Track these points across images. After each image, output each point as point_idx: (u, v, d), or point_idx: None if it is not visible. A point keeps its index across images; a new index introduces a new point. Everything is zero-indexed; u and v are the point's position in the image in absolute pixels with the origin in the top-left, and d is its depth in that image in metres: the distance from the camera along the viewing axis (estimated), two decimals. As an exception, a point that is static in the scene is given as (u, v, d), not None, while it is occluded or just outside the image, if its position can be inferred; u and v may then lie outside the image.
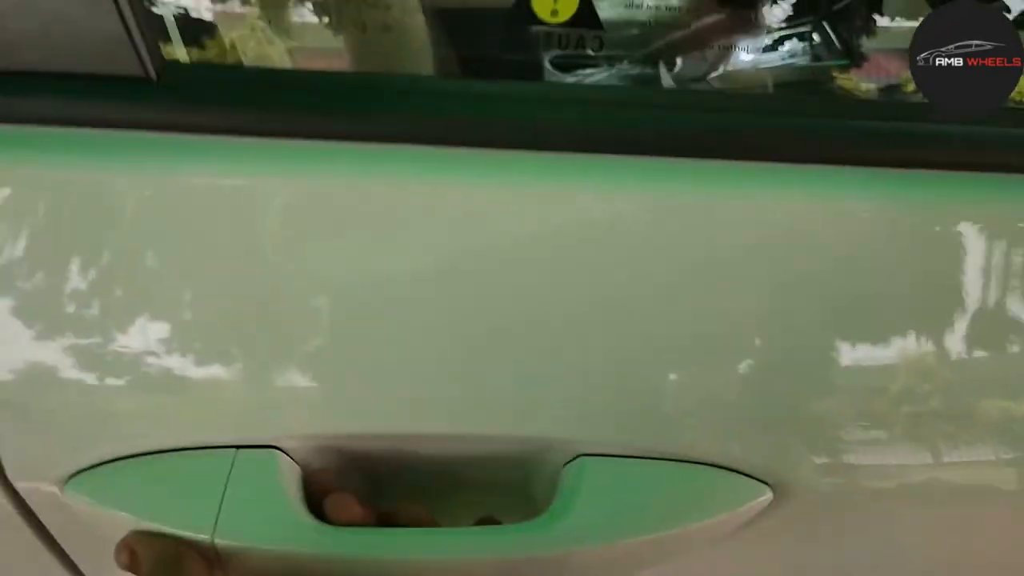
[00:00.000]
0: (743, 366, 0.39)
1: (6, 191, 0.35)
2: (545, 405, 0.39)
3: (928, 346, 0.39)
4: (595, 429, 0.39)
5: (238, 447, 0.39)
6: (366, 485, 0.43)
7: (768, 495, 0.40)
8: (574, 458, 0.40)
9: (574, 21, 0.44)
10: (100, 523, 0.39)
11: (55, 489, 0.39)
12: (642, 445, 0.40)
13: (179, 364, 0.37)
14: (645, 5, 0.48)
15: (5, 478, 0.39)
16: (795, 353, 0.39)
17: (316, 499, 0.38)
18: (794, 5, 0.64)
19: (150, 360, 0.37)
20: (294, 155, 0.35)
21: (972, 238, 0.38)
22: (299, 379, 0.38)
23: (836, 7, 0.69)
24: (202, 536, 0.37)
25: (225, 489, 0.38)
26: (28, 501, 0.40)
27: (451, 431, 0.39)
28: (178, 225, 0.36)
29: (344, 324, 0.37)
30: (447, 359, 0.38)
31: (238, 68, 0.51)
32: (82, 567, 0.44)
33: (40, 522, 0.41)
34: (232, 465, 0.38)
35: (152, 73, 0.35)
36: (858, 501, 0.43)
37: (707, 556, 0.44)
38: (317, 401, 0.39)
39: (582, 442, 0.40)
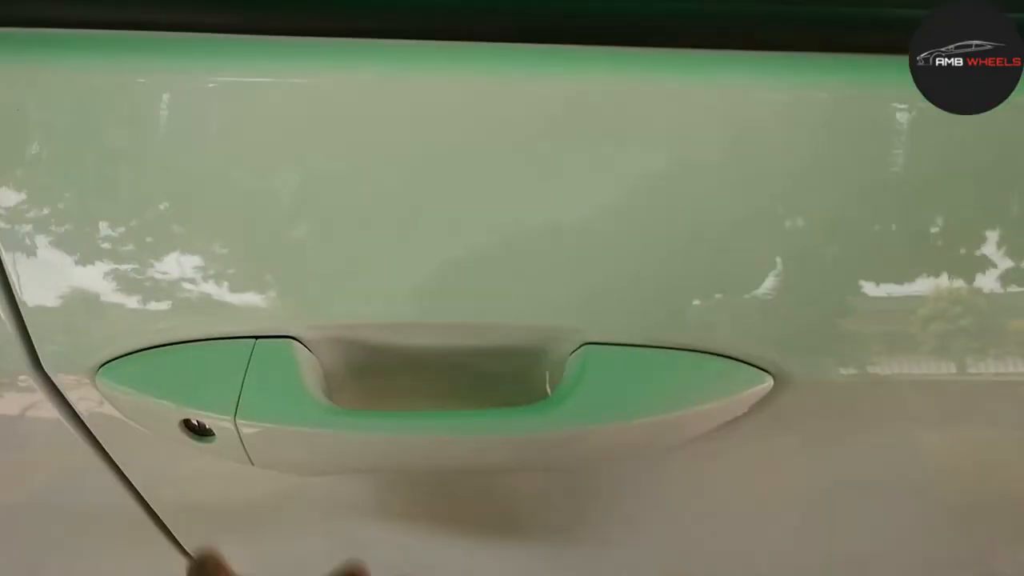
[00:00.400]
0: (742, 255, 0.39)
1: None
2: (550, 293, 0.40)
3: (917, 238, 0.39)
4: (598, 317, 0.41)
5: (257, 337, 0.41)
6: (379, 380, 0.45)
7: (769, 382, 0.41)
8: (579, 347, 0.42)
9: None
10: (129, 408, 0.42)
11: (87, 378, 0.41)
12: (645, 334, 0.41)
13: (200, 259, 0.39)
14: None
15: (41, 368, 0.41)
16: (791, 243, 0.40)
17: None
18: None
19: (174, 255, 0.39)
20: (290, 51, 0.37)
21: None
22: (310, 270, 0.39)
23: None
24: (225, 416, 0.39)
25: (245, 374, 0.40)
26: (62, 390, 0.43)
27: (459, 320, 0.41)
28: (193, 122, 0.37)
29: (352, 216, 0.38)
30: (454, 248, 0.39)
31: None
32: (113, 454, 0.47)
33: (74, 411, 0.44)
34: (251, 353, 0.41)
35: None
36: (857, 396, 0.44)
37: (709, 450, 0.45)
38: (328, 291, 0.40)
39: (586, 331, 0.41)
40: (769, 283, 0.40)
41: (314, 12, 0.37)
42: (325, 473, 0.45)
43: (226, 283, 0.40)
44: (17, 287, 0.39)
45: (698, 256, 0.39)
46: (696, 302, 0.40)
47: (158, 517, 0.52)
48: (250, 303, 0.40)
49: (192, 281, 0.40)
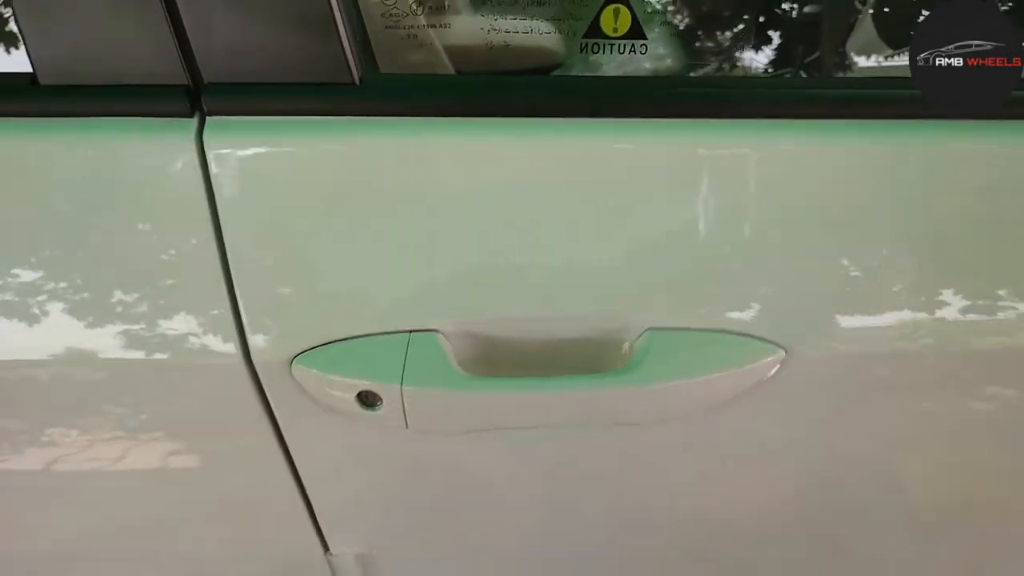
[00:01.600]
0: (760, 257, 0.56)
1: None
2: (623, 290, 0.56)
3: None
4: (658, 309, 0.56)
5: (410, 331, 0.56)
6: (497, 361, 0.59)
7: (782, 353, 0.57)
8: (642, 332, 0.57)
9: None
10: (317, 386, 0.56)
11: (283, 366, 0.56)
12: (693, 321, 0.57)
13: (375, 272, 0.55)
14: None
15: (249, 358, 0.56)
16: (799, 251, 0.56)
17: None
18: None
19: (359, 270, 0.54)
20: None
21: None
22: (452, 279, 0.55)
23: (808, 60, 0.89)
24: (392, 384, 0.54)
25: (406, 357, 0.55)
26: (260, 374, 0.57)
27: (559, 313, 0.56)
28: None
29: (482, 238, 0.54)
30: (552, 254, 0.55)
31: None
32: (289, 439, 0.61)
33: (265, 395, 0.58)
34: (408, 342, 0.56)
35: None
36: (855, 369, 0.60)
37: (733, 413, 0.60)
38: (461, 296, 0.56)
39: (648, 319, 0.57)
40: (777, 283, 0.56)
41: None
42: (466, 431, 0.59)
43: (386, 291, 0.55)
44: (239, 288, 0.54)
45: (732, 267, 0.56)
46: (729, 297, 0.56)
47: (312, 507, 0.65)
48: (404, 307, 0.56)
49: (365, 292, 0.55)
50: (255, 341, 0.55)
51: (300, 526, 0.67)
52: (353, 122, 0.53)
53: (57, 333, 0.55)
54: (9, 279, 0.54)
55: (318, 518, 0.67)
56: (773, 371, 0.58)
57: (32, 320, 0.55)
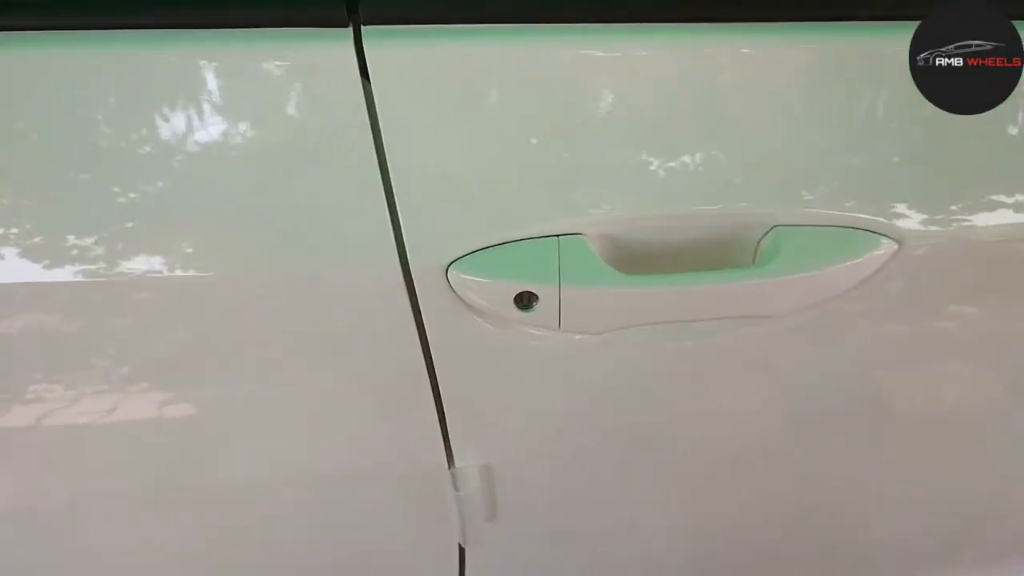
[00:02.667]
0: (879, 158, 0.60)
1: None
2: (754, 189, 0.59)
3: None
4: (787, 204, 0.60)
5: (558, 236, 0.58)
6: (637, 260, 0.62)
7: (895, 246, 0.62)
8: (770, 229, 0.61)
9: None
10: (474, 291, 0.58)
11: (438, 273, 0.58)
12: (814, 215, 0.61)
13: (524, 178, 0.57)
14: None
15: (405, 262, 0.57)
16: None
17: None
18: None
19: (512, 176, 0.56)
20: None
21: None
22: (595, 183, 0.57)
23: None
24: (551, 284, 0.56)
25: (559, 258, 0.57)
26: (416, 281, 0.58)
27: (693, 210, 0.59)
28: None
29: (617, 144, 0.57)
30: (692, 158, 0.58)
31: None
32: (435, 349, 0.62)
33: (417, 303, 0.59)
34: (559, 245, 0.58)
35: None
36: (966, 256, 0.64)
37: (854, 305, 0.65)
38: (604, 199, 0.58)
39: (776, 215, 0.60)
40: (893, 175, 0.60)
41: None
42: (617, 327, 0.62)
43: (534, 198, 0.57)
44: (400, 203, 0.55)
45: (849, 163, 0.60)
46: (849, 192, 0.60)
47: (444, 420, 0.67)
48: (551, 212, 0.58)
49: (515, 198, 0.57)
50: (413, 248, 0.57)
51: (429, 439, 0.69)
52: (516, 28, 0.55)
53: (205, 247, 0.56)
54: (157, 198, 0.54)
55: (449, 431, 0.69)
56: (886, 262, 0.62)
57: (189, 237, 0.55)
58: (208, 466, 0.68)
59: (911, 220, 0.62)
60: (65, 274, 0.55)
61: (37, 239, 0.54)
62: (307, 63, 0.53)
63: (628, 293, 0.58)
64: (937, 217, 0.62)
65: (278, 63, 0.52)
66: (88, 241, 0.54)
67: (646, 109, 0.57)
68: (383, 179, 0.55)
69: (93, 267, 0.55)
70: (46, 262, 0.54)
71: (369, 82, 0.53)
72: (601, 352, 0.65)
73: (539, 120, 0.56)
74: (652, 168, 0.58)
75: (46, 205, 0.54)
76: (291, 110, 0.53)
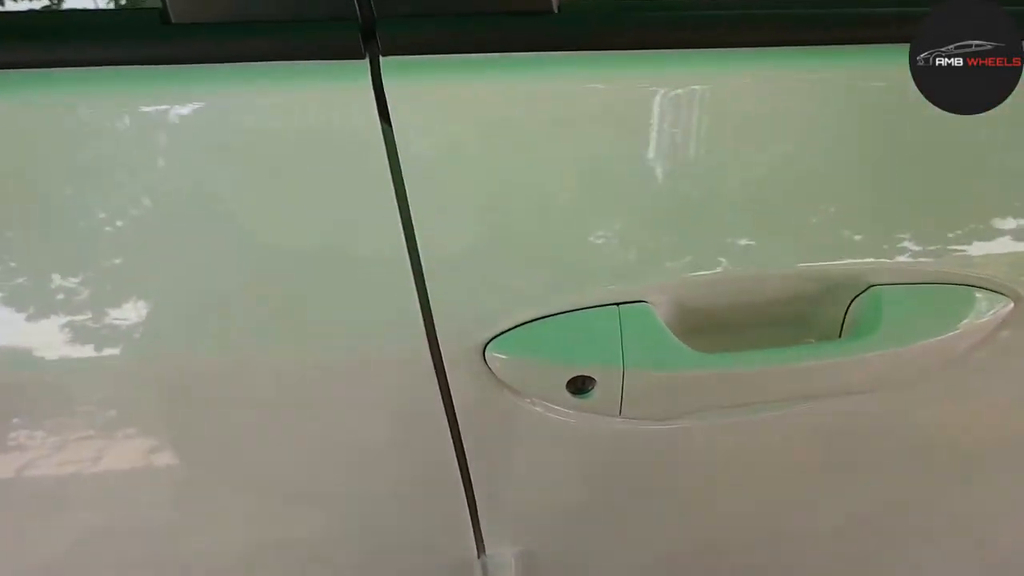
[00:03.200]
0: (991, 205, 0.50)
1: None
2: (848, 245, 0.49)
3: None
4: (883, 263, 0.50)
5: (619, 304, 0.48)
6: (710, 331, 0.52)
7: (1011, 305, 0.52)
8: (865, 289, 0.51)
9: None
10: (520, 374, 0.48)
11: (476, 353, 0.48)
12: (916, 274, 0.51)
13: (571, 237, 0.46)
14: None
15: (436, 342, 0.47)
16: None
17: None
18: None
19: (561, 234, 0.46)
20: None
21: None
22: (661, 242, 0.47)
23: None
24: (613, 366, 0.46)
25: (622, 335, 0.47)
26: (447, 364, 0.48)
27: (772, 269, 0.49)
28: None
29: (692, 183, 0.47)
30: (759, 209, 0.48)
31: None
32: (467, 441, 0.52)
33: (448, 388, 0.49)
34: (619, 316, 0.48)
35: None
36: None
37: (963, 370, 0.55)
38: (673, 258, 0.48)
39: (873, 273, 0.50)
40: (1005, 226, 0.51)
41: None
42: (683, 415, 0.52)
43: (589, 257, 0.47)
44: (428, 271, 0.45)
45: (959, 206, 0.50)
46: (954, 243, 0.50)
47: (475, 506, 0.57)
48: (609, 274, 0.48)
49: (566, 258, 0.47)
50: (444, 327, 0.47)
51: (458, 526, 0.59)
52: (551, 57, 0.44)
53: (217, 334, 0.46)
54: (160, 267, 0.44)
55: (480, 517, 0.59)
56: (1002, 321, 0.53)
57: (201, 325, 0.45)
58: (234, 550, 0.58)
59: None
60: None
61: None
62: (316, 104, 0.42)
63: (703, 376, 0.48)
64: None
65: (282, 102, 0.42)
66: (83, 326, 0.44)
67: (710, 147, 0.46)
68: (407, 242, 0.45)
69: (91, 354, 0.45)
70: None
71: (390, 125, 0.43)
72: (656, 433, 0.55)
73: (585, 165, 0.46)
74: (724, 220, 0.48)
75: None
76: (300, 165, 0.43)
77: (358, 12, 0.43)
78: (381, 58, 0.43)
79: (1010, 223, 0.51)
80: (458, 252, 0.46)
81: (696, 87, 0.46)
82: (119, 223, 0.43)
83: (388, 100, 0.43)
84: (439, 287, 0.46)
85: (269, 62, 0.43)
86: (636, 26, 0.45)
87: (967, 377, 0.56)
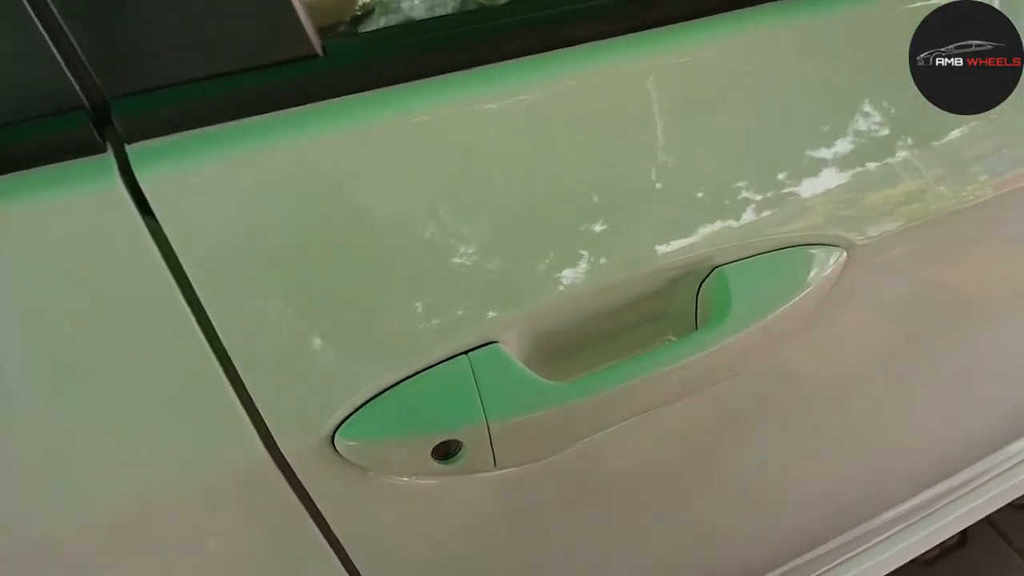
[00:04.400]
0: (803, 163, 0.50)
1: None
2: (685, 234, 0.48)
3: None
4: (723, 241, 0.49)
5: (467, 352, 0.44)
6: (565, 353, 0.49)
7: (844, 253, 0.52)
8: (709, 272, 0.50)
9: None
10: (379, 455, 0.43)
11: (324, 445, 0.42)
12: (753, 246, 0.50)
13: (396, 296, 0.42)
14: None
15: (275, 447, 0.41)
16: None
17: None
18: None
19: (378, 298, 0.41)
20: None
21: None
22: (492, 278, 0.44)
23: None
24: (477, 422, 0.42)
25: (476, 383, 0.43)
26: (296, 470, 0.43)
27: (618, 278, 0.47)
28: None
29: (515, 217, 0.43)
30: (603, 215, 0.45)
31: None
32: (345, 543, 0.47)
33: (304, 488, 0.44)
34: (471, 367, 0.44)
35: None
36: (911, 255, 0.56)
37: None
38: (512, 289, 0.45)
39: (714, 255, 0.49)
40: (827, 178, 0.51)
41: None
42: (562, 449, 0.49)
43: (421, 311, 0.43)
44: (245, 373, 0.40)
45: (771, 171, 0.49)
46: (774, 205, 0.50)
47: None
48: (448, 323, 0.44)
49: (395, 319, 0.42)
50: (279, 427, 0.41)
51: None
52: (326, 106, 0.39)
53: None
54: None
55: None
56: (843, 268, 0.53)
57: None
58: None
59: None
60: None
61: None
62: (63, 215, 0.35)
63: (572, 408, 0.45)
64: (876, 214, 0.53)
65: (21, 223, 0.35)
66: None
67: (518, 166, 0.43)
68: (211, 344, 0.39)
69: None
70: None
71: (156, 219, 0.37)
72: (541, 467, 0.52)
73: (391, 215, 0.41)
74: (552, 239, 0.45)
75: None
76: (68, 288, 0.36)
77: (83, 97, 0.36)
78: (126, 146, 0.36)
79: (810, 174, 0.51)
80: (273, 345, 0.40)
81: (491, 105, 0.42)
82: None
83: (147, 194, 0.36)
84: (261, 387, 0.40)
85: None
86: (408, 54, 0.41)
87: (828, 329, 0.57)
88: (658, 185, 0.46)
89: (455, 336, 0.44)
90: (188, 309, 0.38)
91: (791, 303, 0.50)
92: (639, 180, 0.46)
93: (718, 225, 0.49)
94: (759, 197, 0.49)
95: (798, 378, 0.62)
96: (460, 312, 0.43)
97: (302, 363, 0.40)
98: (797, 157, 0.50)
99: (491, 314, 0.44)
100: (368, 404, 0.43)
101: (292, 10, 0.38)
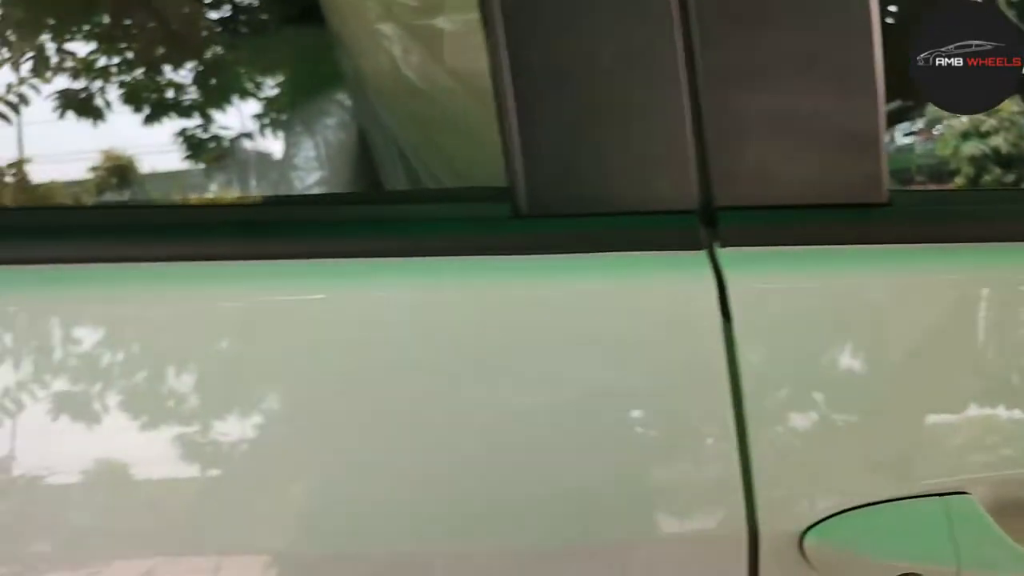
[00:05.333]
0: None
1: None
2: None
3: None
4: None
5: (942, 494, 0.46)
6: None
7: None
8: None
9: None
10: (838, 566, 0.46)
11: (792, 537, 0.46)
12: None
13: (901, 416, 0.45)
14: None
15: (754, 522, 0.46)
16: None
17: None
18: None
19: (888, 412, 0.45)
20: None
21: None
22: (996, 421, 0.46)
23: None
24: (949, 565, 0.44)
25: (951, 526, 0.45)
26: (761, 549, 0.47)
27: None
28: None
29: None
30: None
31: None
32: None
33: (757, 571, 0.48)
34: (947, 510, 0.46)
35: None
36: None
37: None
38: (999, 449, 0.46)
39: None
40: None
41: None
42: None
43: (914, 448, 0.46)
44: (755, 452, 0.45)
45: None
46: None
47: None
48: (930, 461, 0.46)
49: (891, 447, 0.46)
50: (765, 508, 0.46)
51: None
52: (885, 250, 0.45)
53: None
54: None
55: None
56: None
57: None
58: None
59: None
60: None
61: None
62: (656, 294, 0.44)
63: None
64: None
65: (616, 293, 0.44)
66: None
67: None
68: (736, 420, 0.45)
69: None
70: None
71: (729, 320, 0.44)
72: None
73: (909, 356, 0.45)
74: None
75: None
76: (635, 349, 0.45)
77: (697, 202, 0.45)
78: (718, 249, 0.45)
79: None
80: (787, 439, 0.45)
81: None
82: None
83: (729, 290, 0.44)
84: (764, 469, 0.46)
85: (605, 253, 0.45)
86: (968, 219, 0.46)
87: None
88: None
89: (936, 476, 0.46)
90: (728, 382, 0.45)
91: None
92: None
93: None
94: None
95: None
96: (947, 455, 0.46)
97: (804, 461, 0.46)
98: None
99: (973, 465, 0.46)
100: (844, 513, 0.46)
101: (878, 161, 0.44)
